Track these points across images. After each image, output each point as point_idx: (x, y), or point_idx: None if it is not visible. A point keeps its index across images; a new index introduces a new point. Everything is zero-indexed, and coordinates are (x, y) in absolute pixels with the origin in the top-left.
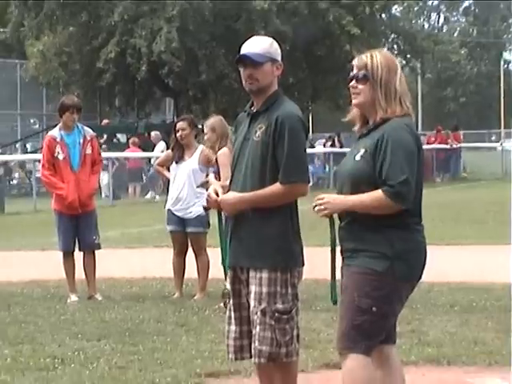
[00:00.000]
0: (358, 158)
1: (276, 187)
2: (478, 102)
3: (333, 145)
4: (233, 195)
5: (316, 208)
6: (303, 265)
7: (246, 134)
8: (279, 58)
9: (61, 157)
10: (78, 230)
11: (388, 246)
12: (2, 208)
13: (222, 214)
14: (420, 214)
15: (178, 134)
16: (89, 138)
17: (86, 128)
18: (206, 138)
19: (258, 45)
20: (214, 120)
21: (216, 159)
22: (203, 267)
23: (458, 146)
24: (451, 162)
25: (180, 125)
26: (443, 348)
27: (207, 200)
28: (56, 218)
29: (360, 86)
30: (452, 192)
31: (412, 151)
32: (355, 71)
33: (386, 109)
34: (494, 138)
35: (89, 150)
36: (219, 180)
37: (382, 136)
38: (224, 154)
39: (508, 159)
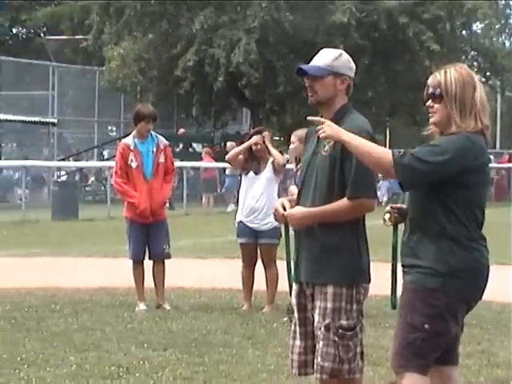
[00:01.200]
0: None
1: (343, 202)
2: None
3: None
4: (300, 210)
5: (320, 132)
6: (370, 281)
7: (314, 148)
8: (346, 72)
9: (134, 165)
10: (149, 238)
11: (442, 262)
12: (76, 214)
13: (289, 228)
14: (480, 232)
15: (254, 148)
16: (162, 147)
17: (159, 137)
18: (292, 147)
19: (320, 58)
20: (303, 131)
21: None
22: (272, 279)
23: None
24: None
25: (258, 137)
26: None
27: (274, 214)
28: (127, 225)
29: (436, 105)
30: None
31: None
32: (430, 90)
33: (461, 125)
34: None
35: (162, 159)
36: None
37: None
38: None
39: None
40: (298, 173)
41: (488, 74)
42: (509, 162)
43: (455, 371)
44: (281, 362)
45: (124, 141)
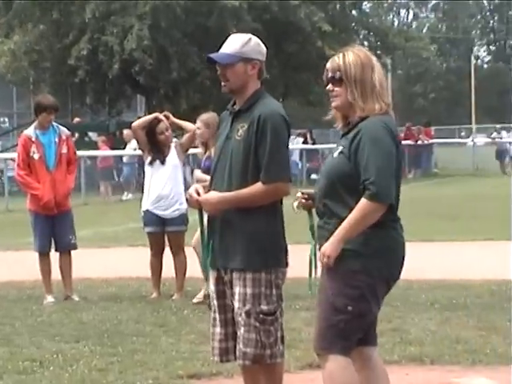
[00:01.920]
0: (335, 155)
1: (258, 187)
2: (447, 98)
3: (305, 141)
4: (215, 195)
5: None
6: (287, 265)
7: (228, 133)
8: (257, 56)
9: (36, 156)
10: (54, 230)
11: (362, 244)
12: None
13: (204, 213)
14: (396, 211)
15: (163, 137)
16: (64, 138)
17: (61, 127)
18: (199, 132)
19: (229, 45)
20: (208, 116)
21: (209, 156)
22: (181, 266)
23: (430, 141)
24: (423, 157)
25: (163, 126)
26: (426, 347)
27: (187, 199)
28: (32, 218)
29: (336, 89)
30: (424, 188)
31: (386, 148)
32: (330, 74)
33: (363, 108)
34: (463, 133)
35: (64, 150)
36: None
37: (357, 134)
38: None
39: (479, 154)
40: (204, 158)
41: (379, 52)
42: (405, 139)
43: (375, 351)
44: (195, 348)
45: (25, 132)
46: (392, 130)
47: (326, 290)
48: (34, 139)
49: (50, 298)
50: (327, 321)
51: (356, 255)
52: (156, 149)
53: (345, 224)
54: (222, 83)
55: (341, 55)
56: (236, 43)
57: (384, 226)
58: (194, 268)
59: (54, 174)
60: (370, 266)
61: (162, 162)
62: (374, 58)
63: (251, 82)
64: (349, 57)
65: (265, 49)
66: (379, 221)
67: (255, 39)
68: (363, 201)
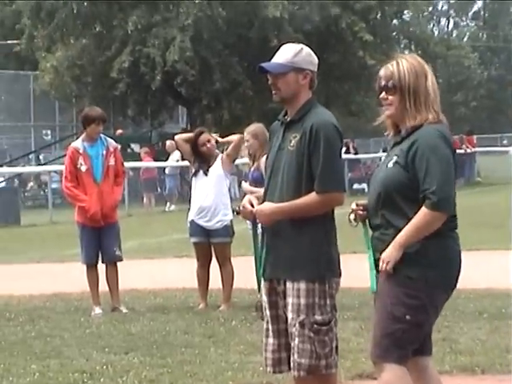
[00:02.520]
0: (390, 165)
1: (312, 197)
2: (489, 106)
3: (347, 151)
4: (269, 205)
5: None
6: (341, 275)
7: (280, 144)
8: (308, 67)
9: (83, 168)
10: (101, 242)
11: (421, 253)
12: (18, 220)
13: (258, 225)
14: (456, 219)
15: (205, 148)
16: (112, 149)
17: (109, 139)
18: (247, 144)
19: (281, 54)
20: (256, 127)
21: (258, 167)
22: (228, 277)
23: (473, 150)
24: (466, 166)
25: (205, 137)
26: (476, 356)
27: (239, 211)
28: (79, 230)
29: (390, 97)
30: (468, 197)
31: (446, 157)
32: (383, 82)
33: (416, 116)
34: (505, 141)
35: (112, 162)
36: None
37: (413, 143)
38: None
39: None
40: (252, 169)
41: None
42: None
43: (430, 361)
44: (244, 359)
45: (73, 144)
46: (447, 138)
47: (384, 298)
48: (81, 151)
49: (97, 310)
50: (384, 329)
51: (415, 264)
52: (200, 159)
53: (405, 231)
54: (273, 92)
55: (394, 63)
56: (288, 53)
57: (442, 236)
58: (240, 279)
59: (101, 185)
60: (428, 275)
61: (205, 173)
62: (427, 66)
63: (303, 91)
64: (403, 64)
65: (316, 59)
66: (439, 230)
67: (307, 49)
68: (424, 210)
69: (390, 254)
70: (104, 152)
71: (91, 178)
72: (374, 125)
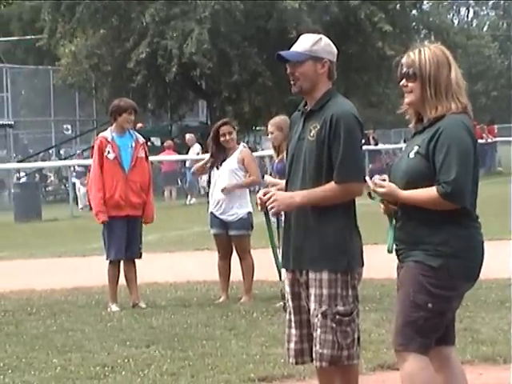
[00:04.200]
0: (411, 155)
1: (331, 186)
2: (509, 96)
3: (367, 142)
4: (287, 193)
5: (269, 207)
6: (363, 265)
7: (300, 134)
8: (326, 56)
9: (111, 156)
10: (127, 238)
11: (444, 243)
12: (40, 215)
13: (270, 216)
14: (475, 210)
15: (223, 139)
16: (141, 142)
17: (137, 134)
18: (272, 136)
19: (300, 44)
20: (280, 119)
21: (282, 159)
22: (248, 270)
23: (494, 140)
24: (487, 156)
25: (227, 128)
26: (498, 346)
27: (258, 203)
28: (108, 226)
29: (410, 84)
30: (489, 187)
31: (467, 149)
32: (404, 69)
33: (437, 106)
34: None
35: (142, 154)
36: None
37: (435, 133)
38: None
39: None
40: (276, 161)
41: None
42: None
43: (453, 351)
44: (265, 351)
45: (101, 134)
46: (471, 129)
47: (406, 286)
48: (110, 140)
49: (114, 307)
50: (407, 317)
51: (438, 254)
52: (218, 151)
53: (412, 194)
54: (292, 82)
55: (416, 51)
56: (306, 42)
57: (465, 226)
58: (261, 270)
59: (128, 175)
60: (451, 264)
61: (218, 167)
62: (452, 57)
63: (321, 81)
64: (425, 53)
65: (335, 49)
66: (461, 221)
67: (326, 39)
68: (435, 194)
69: (393, 190)
70: (133, 144)
71: (118, 167)
72: (396, 113)
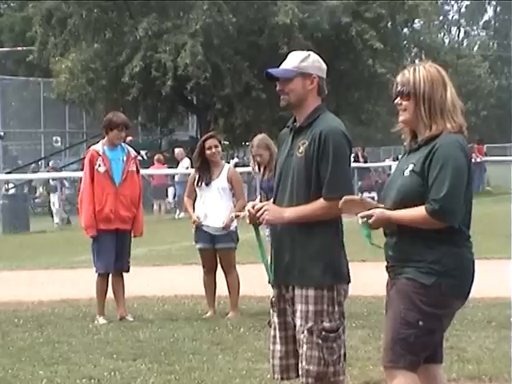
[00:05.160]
0: (407, 173)
1: (319, 203)
2: (499, 116)
3: (356, 159)
4: (277, 207)
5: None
6: (349, 282)
7: (289, 150)
8: (315, 72)
9: (102, 169)
10: (116, 251)
11: (437, 261)
12: (28, 226)
13: (260, 230)
14: (469, 229)
15: (209, 152)
16: (133, 156)
17: (129, 148)
18: (259, 159)
19: (289, 61)
20: (264, 137)
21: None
22: (233, 284)
23: (483, 159)
24: (475, 175)
25: (212, 141)
26: (483, 365)
27: (247, 216)
28: (97, 239)
29: (404, 103)
30: (478, 206)
31: (460, 168)
32: (399, 87)
33: (431, 125)
34: None
35: (133, 167)
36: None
37: (431, 151)
38: None
39: None
40: (265, 178)
41: None
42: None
43: (440, 369)
44: (252, 366)
45: (93, 147)
46: (466, 149)
47: (397, 303)
48: (101, 153)
49: (101, 320)
50: (397, 334)
51: (431, 272)
52: (203, 166)
53: (402, 213)
54: (281, 97)
55: (411, 69)
56: (295, 59)
57: (458, 245)
58: (248, 286)
59: (119, 188)
60: (444, 282)
61: (207, 184)
62: (447, 77)
63: (310, 97)
64: (419, 72)
65: (325, 65)
66: (453, 239)
67: (314, 55)
68: (423, 212)
69: (382, 215)
70: (125, 158)
71: (109, 180)
72: (386, 131)
